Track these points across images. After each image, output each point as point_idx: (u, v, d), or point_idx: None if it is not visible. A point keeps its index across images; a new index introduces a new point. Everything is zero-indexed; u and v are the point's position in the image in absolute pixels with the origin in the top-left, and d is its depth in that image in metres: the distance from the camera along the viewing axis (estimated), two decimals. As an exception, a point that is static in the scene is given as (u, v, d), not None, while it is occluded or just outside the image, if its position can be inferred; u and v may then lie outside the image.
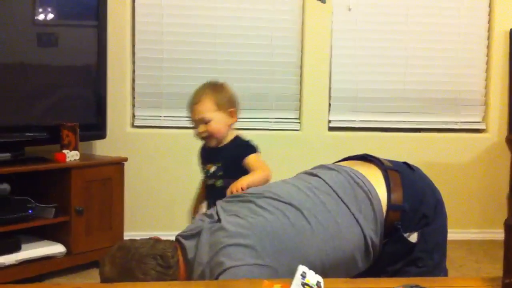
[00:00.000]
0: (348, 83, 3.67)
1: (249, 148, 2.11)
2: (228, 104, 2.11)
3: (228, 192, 1.91)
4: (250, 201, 1.64)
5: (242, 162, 2.06)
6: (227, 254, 1.48)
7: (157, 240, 1.61)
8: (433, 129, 3.73)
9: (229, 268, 1.45)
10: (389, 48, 3.67)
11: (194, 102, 2.09)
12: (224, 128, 2.10)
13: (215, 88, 2.13)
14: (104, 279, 1.52)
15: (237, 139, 2.14)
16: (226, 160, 2.10)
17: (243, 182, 1.92)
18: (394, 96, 3.68)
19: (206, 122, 2.07)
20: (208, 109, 2.07)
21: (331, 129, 3.66)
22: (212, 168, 2.13)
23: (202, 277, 1.53)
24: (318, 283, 0.94)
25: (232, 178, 1.98)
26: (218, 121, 2.07)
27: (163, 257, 1.53)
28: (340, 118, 3.66)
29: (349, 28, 3.63)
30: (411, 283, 0.95)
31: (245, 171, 2.04)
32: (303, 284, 0.92)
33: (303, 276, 0.97)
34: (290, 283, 0.94)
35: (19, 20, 2.92)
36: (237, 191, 1.89)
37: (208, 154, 2.18)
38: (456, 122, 3.74)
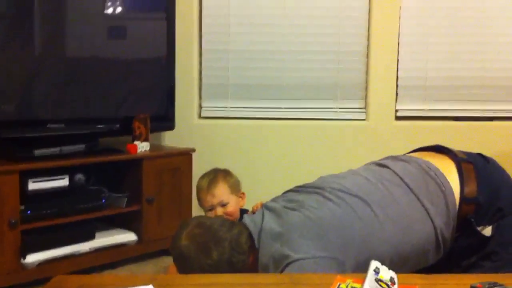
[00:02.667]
0: (417, 70, 3.55)
1: None
2: (238, 187, 2.27)
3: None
4: (317, 193, 1.63)
5: None
6: (292, 247, 1.48)
7: (232, 223, 1.63)
8: (507, 117, 3.55)
9: (295, 260, 1.45)
10: (461, 33, 3.52)
11: (210, 187, 2.20)
12: (237, 210, 2.23)
13: (225, 173, 2.27)
14: (179, 254, 1.53)
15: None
16: None
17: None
18: (466, 84, 3.54)
19: (224, 205, 2.20)
20: (225, 192, 2.20)
21: (398, 118, 3.57)
22: None
23: (265, 267, 1.54)
24: (391, 279, 0.93)
25: None
26: (234, 204, 2.22)
27: (238, 242, 1.55)
28: (408, 107, 3.56)
29: (417, 14, 3.51)
30: (489, 280, 0.91)
31: None
32: (377, 280, 0.91)
33: (377, 271, 0.96)
34: (363, 279, 0.93)
35: (90, 14, 2.99)
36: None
37: None
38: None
